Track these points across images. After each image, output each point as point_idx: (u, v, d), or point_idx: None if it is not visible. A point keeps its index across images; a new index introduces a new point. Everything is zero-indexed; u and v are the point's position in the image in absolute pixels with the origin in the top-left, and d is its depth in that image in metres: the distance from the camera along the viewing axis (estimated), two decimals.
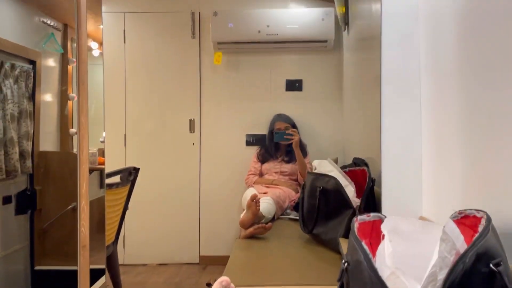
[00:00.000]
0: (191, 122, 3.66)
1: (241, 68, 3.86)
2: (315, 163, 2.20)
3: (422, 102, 1.48)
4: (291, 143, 3.13)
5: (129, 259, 3.52)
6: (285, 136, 3.19)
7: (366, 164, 2.14)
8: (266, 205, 2.50)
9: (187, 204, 3.68)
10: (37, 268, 3.34)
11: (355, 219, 0.93)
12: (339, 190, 1.89)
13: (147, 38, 3.82)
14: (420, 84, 1.48)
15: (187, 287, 2.89)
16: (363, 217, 0.94)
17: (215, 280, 3.28)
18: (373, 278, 0.67)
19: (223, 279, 0.86)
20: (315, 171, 2.13)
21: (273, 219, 2.55)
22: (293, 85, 3.85)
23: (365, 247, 0.74)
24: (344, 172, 2.02)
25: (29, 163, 3.25)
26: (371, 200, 1.84)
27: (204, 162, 3.67)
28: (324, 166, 2.07)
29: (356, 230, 0.86)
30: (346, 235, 1.80)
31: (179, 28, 3.80)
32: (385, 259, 0.69)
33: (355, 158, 2.38)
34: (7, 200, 3.10)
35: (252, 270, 1.66)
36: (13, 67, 3.11)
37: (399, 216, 0.95)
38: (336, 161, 2.47)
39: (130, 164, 3.09)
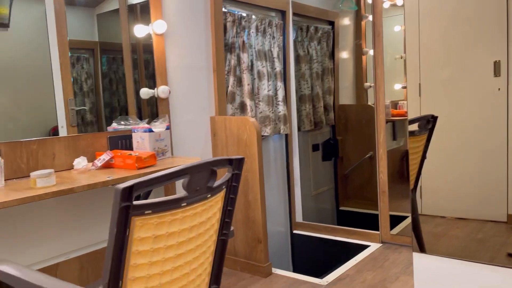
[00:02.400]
0: (496, 64, 3.20)
1: None
2: None
3: None
4: None
5: (426, 210, 3.48)
6: None
7: None
8: None
9: (491, 156, 3.29)
10: (341, 208, 3.80)
11: None
12: None
13: None
14: None
15: (492, 244, 2.62)
16: None
17: None
18: None
19: None
20: None
21: None
22: None
23: None
24: None
25: (331, 115, 3.67)
26: None
27: None
28: None
29: None
30: None
31: None
32: None
33: None
34: (315, 148, 3.63)
35: None
36: (316, 29, 3.51)
37: None
38: None
39: (425, 113, 3.00)
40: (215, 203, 1.16)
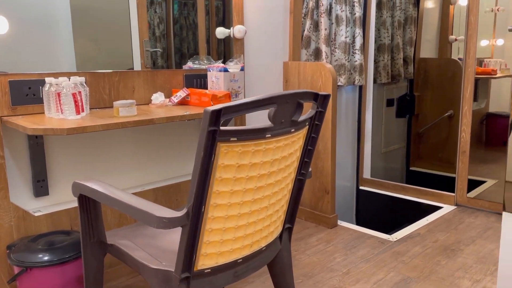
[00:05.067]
0: None
1: None
2: None
3: None
4: None
5: (510, 177, 3.22)
6: None
7: None
8: None
9: None
10: (411, 168, 3.63)
11: None
12: None
13: None
14: None
15: None
16: None
17: None
18: None
19: None
20: None
21: None
22: None
23: None
24: None
25: (411, 69, 3.42)
26: None
27: None
28: None
29: None
30: None
31: None
32: None
33: None
34: (390, 103, 3.44)
35: None
36: None
37: None
38: None
39: None
40: (298, 139, 1.11)
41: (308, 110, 1.16)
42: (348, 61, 2.70)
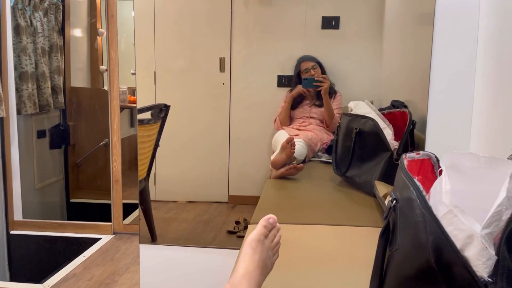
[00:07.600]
0: (222, 61, 3.55)
1: (275, 2, 3.65)
2: (351, 104, 2.10)
3: (480, 37, 1.33)
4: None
5: (160, 196, 3.58)
6: (314, 83, 3.03)
7: (405, 106, 2.04)
8: (298, 147, 2.43)
9: (216, 144, 3.66)
10: (72, 200, 3.48)
11: (404, 156, 0.84)
12: (377, 132, 1.80)
13: None
14: (479, 18, 1.32)
15: (216, 224, 2.93)
16: (412, 155, 0.86)
17: (244, 219, 3.29)
18: (427, 216, 0.60)
19: (270, 216, 0.82)
20: (351, 112, 2.04)
21: (303, 162, 2.49)
22: (330, 23, 3.63)
23: (418, 183, 0.67)
24: (382, 114, 1.92)
25: (61, 98, 3.27)
26: (411, 143, 1.75)
27: (234, 103, 3.59)
28: (361, 108, 1.97)
29: (406, 166, 0.78)
30: (382, 178, 1.72)
31: None
32: (441, 197, 0.62)
33: (393, 101, 2.26)
34: (41, 134, 3.17)
35: (283, 209, 1.63)
36: None
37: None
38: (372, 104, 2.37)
39: (160, 101, 3.06)
40: None
41: None
42: None
